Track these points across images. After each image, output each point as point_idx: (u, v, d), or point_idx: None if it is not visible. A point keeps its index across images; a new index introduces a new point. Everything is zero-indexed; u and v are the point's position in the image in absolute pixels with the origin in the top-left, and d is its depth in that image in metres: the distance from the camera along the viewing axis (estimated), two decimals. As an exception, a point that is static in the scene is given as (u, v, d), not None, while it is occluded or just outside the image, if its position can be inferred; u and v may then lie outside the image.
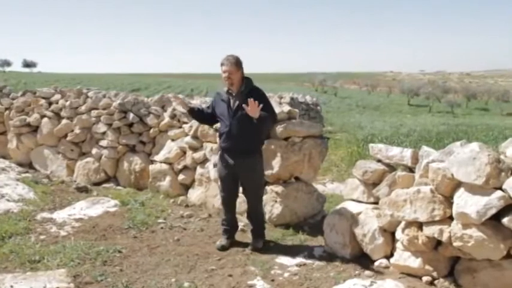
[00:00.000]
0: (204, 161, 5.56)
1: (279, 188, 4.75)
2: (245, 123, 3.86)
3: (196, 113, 4.30)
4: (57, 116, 6.91)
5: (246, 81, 4.00)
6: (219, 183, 4.30)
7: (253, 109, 3.66)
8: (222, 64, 3.94)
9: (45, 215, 4.94)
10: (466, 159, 2.90)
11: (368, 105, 45.83)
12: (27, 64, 73.07)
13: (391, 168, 3.99)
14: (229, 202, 4.28)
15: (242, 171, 4.06)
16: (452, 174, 3.00)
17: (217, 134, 4.37)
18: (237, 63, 3.93)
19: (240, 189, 4.28)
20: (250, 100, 3.65)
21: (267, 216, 4.82)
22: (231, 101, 3.98)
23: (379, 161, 4.08)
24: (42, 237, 4.26)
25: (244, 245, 4.22)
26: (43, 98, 7.15)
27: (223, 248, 4.12)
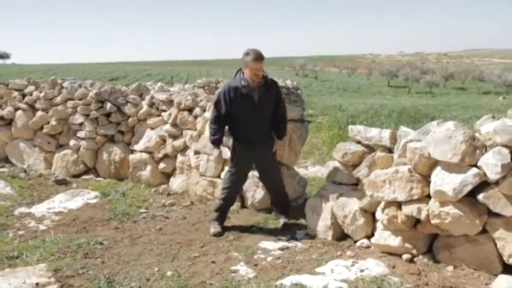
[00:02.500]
0: (184, 148, 5.51)
1: (260, 173, 4.74)
2: (265, 114, 4.10)
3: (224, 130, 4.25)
4: (32, 108, 6.71)
5: (262, 73, 4.07)
6: (233, 172, 4.27)
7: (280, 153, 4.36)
8: (252, 61, 3.87)
9: (23, 209, 4.83)
10: (442, 137, 2.94)
11: (348, 87, 46.05)
12: (0, 55, 70.82)
13: (371, 149, 4.02)
14: (237, 191, 4.39)
15: (264, 158, 4.23)
16: (429, 153, 3.04)
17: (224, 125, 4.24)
18: (264, 59, 3.98)
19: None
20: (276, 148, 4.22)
21: (248, 202, 4.84)
22: (254, 95, 4.01)
23: (358, 142, 4.11)
24: (20, 232, 4.16)
25: (227, 230, 4.23)
26: (16, 90, 6.92)
27: (220, 234, 4.12)
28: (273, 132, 4.24)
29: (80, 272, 3.30)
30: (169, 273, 3.29)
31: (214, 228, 4.19)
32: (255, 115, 4.04)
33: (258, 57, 3.90)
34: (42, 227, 4.33)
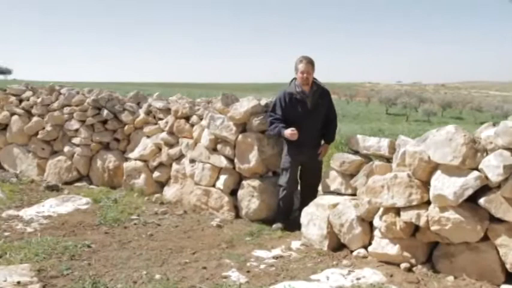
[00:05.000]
0: (180, 157, 5.43)
1: (255, 183, 4.65)
2: (317, 120, 4.33)
3: None
4: (28, 113, 6.66)
5: (315, 81, 4.32)
6: (286, 174, 4.39)
7: (325, 154, 4.47)
8: (299, 63, 4.20)
9: (12, 212, 4.72)
10: (442, 140, 2.88)
11: (347, 113, 46.23)
12: (2, 71, 71.12)
13: (369, 159, 3.97)
14: (295, 190, 4.56)
15: (311, 160, 4.39)
16: (429, 157, 2.97)
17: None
18: (313, 63, 4.26)
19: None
20: (324, 150, 4.43)
21: (243, 212, 4.72)
22: (307, 101, 4.25)
23: (356, 152, 4.06)
24: (6, 234, 4.04)
25: (220, 239, 4.11)
26: (13, 95, 6.88)
27: (280, 229, 4.34)
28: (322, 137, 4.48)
29: (65, 273, 3.19)
30: (157, 276, 3.17)
31: (276, 225, 4.39)
32: (307, 120, 4.25)
33: (306, 59, 4.20)
34: (29, 230, 4.21)
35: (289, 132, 4.16)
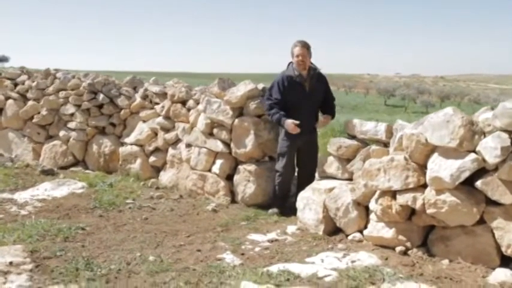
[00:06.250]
0: (176, 141, 5.39)
1: (251, 167, 4.63)
2: (314, 104, 4.36)
3: None
4: (23, 97, 6.61)
5: (311, 65, 4.33)
6: (283, 159, 4.36)
7: (325, 124, 4.50)
8: (294, 47, 4.23)
9: (6, 195, 4.70)
10: (440, 122, 2.85)
11: (346, 104, 46.11)
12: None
13: (366, 144, 3.94)
14: (292, 175, 4.53)
15: (308, 145, 4.40)
16: (426, 139, 2.94)
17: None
18: (308, 47, 4.26)
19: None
20: (325, 119, 4.35)
21: (239, 197, 4.71)
22: (305, 84, 4.27)
23: (353, 137, 4.03)
24: (0, 216, 4.02)
25: (215, 223, 4.09)
26: (8, 78, 6.82)
27: (276, 214, 4.34)
28: (322, 114, 4.44)
29: (58, 254, 3.17)
30: (151, 258, 3.15)
31: (272, 210, 4.39)
32: (305, 103, 4.26)
33: (301, 43, 4.21)
34: (23, 212, 4.19)
35: (292, 126, 4.14)
